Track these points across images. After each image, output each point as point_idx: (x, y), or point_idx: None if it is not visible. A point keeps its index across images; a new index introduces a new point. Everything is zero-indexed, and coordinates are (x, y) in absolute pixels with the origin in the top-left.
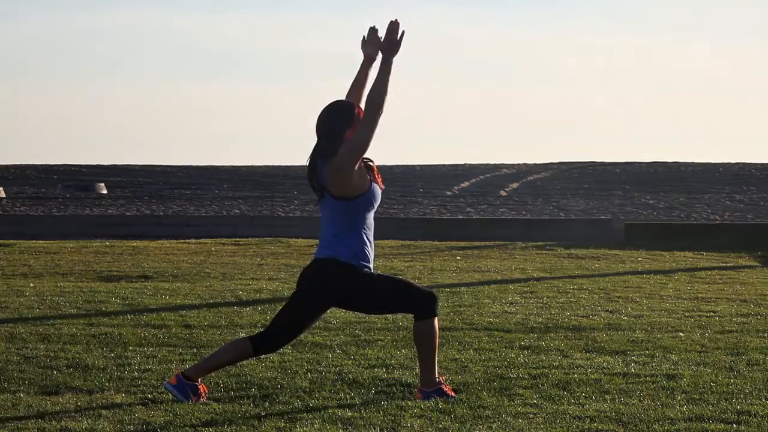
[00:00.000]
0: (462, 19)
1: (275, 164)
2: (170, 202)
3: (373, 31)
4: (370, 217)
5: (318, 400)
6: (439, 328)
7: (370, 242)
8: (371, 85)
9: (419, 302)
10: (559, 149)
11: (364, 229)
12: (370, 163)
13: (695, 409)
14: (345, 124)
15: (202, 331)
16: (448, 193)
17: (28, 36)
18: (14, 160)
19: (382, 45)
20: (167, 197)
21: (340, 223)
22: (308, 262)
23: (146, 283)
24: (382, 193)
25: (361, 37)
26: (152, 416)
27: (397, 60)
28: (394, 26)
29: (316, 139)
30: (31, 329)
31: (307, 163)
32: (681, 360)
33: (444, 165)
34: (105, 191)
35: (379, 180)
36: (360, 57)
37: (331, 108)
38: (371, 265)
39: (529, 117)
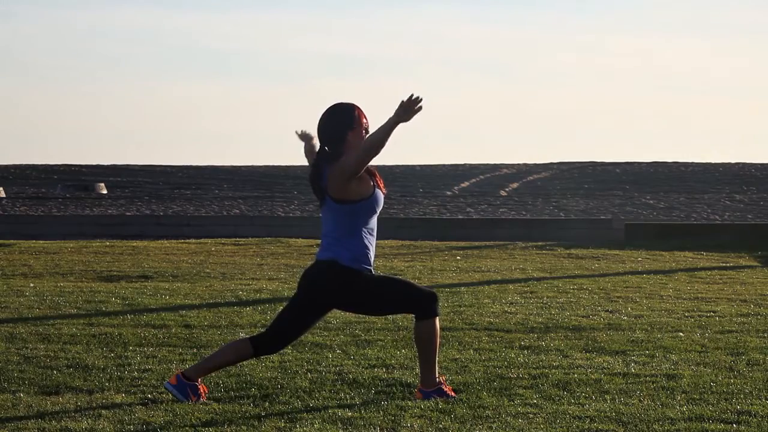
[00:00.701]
0: (461, 19)
1: (275, 164)
2: (170, 202)
3: (307, 137)
4: (373, 221)
5: (318, 400)
6: (439, 328)
7: (371, 245)
8: (374, 131)
9: (420, 302)
10: (559, 149)
11: (366, 232)
12: (372, 168)
13: (695, 409)
14: (346, 127)
15: (202, 331)
16: (448, 193)
17: (28, 36)
18: (14, 160)
19: (399, 110)
20: (167, 197)
21: (341, 226)
22: (310, 263)
23: (146, 283)
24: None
25: (296, 135)
26: (152, 416)
27: (398, 61)
28: (417, 101)
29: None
30: (31, 329)
31: (311, 166)
32: (681, 360)
33: (444, 165)
34: (105, 191)
35: (381, 185)
36: (360, 58)
37: (331, 111)
38: (372, 268)
39: (529, 117)
